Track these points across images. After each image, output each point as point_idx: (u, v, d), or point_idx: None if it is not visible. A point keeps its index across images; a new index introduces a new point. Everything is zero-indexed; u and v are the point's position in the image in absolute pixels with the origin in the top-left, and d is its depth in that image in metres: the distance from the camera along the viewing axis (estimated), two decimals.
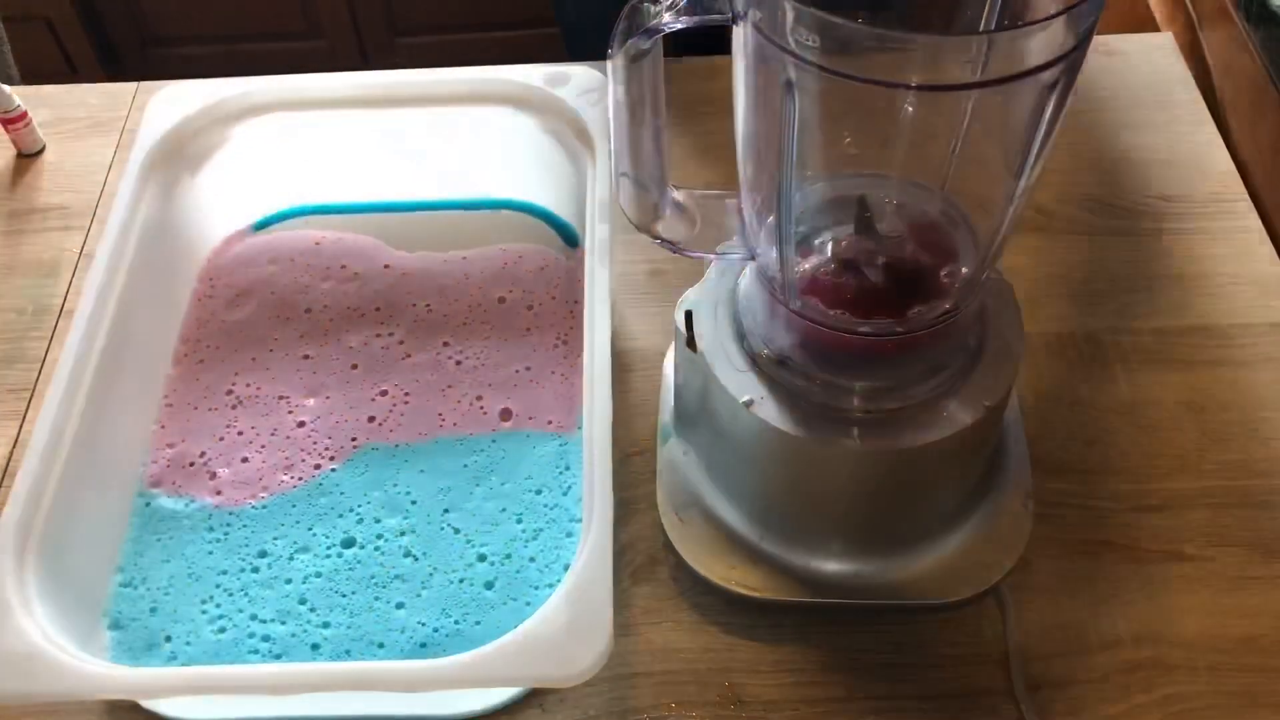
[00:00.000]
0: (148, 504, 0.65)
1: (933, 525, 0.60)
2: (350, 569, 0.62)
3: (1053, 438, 0.68)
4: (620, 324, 0.74)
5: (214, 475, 0.66)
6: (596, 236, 0.65)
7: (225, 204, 0.77)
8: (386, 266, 0.77)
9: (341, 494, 0.65)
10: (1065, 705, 0.59)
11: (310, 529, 0.64)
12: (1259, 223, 0.79)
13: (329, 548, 0.63)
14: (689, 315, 0.58)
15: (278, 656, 0.59)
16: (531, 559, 0.62)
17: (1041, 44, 0.39)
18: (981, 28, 0.44)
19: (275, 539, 0.63)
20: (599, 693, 0.59)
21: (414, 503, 0.65)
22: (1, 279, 0.79)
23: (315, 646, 0.60)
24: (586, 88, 0.73)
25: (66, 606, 0.56)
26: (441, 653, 0.58)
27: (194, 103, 0.73)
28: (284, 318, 0.74)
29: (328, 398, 0.70)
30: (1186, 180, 0.82)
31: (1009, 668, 0.60)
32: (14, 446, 0.70)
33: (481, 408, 0.69)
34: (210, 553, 0.63)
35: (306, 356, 0.72)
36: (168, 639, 0.60)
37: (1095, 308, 0.75)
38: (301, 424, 0.68)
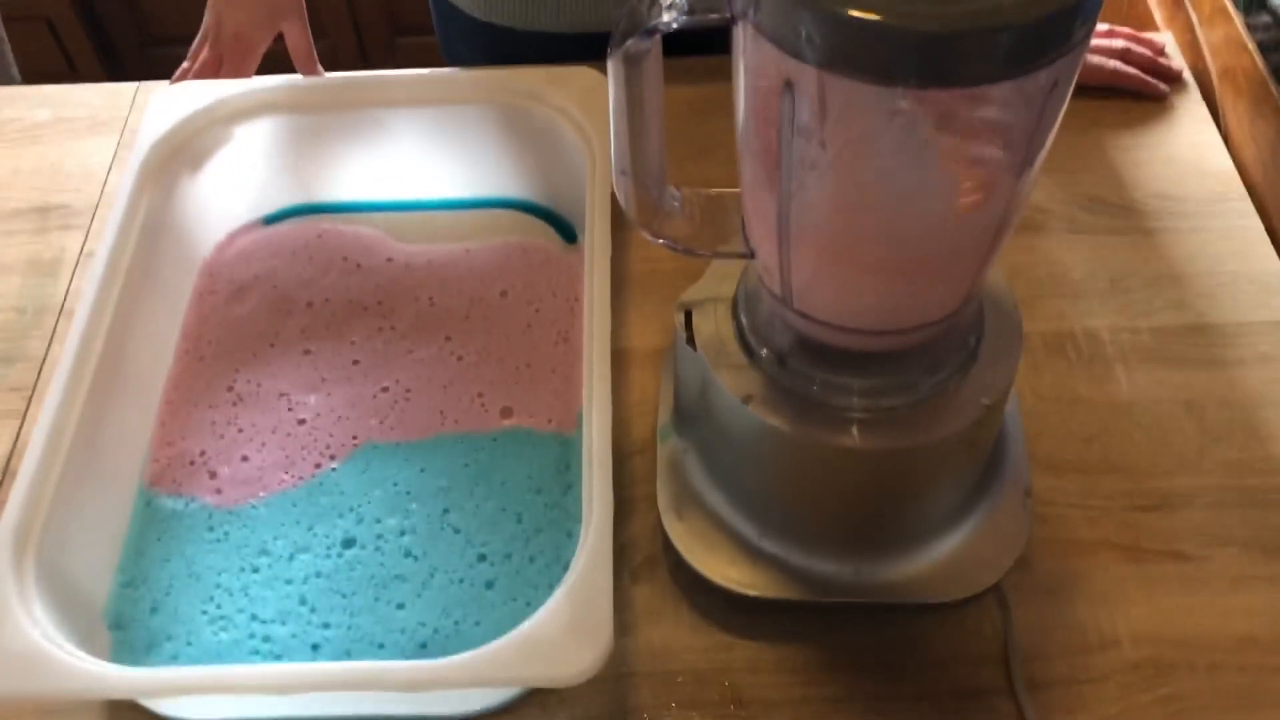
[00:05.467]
0: (148, 503, 0.65)
1: (932, 524, 0.60)
2: (350, 569, 0.62)
3: (1052, 436, 0.68)
4: (620, 323, 0.74)
5: (214, 474, 0.66)
6: (596, 235, 0.65)
7: (225, 203, 0.77)
8: (389, 260, 0.77)
9: (341, 493, 0.65)
10: (1065, 704, 0.59)
11: (310, 529, 0.64)
12: (1258, 222, 0.79)
13: (329, 547, 0.63)
14: (688, 314, 0.58)
15: (278, 657, 0.59)
16: (532, 559, 0.62)
17: (1040, 43, 0.39)
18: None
19: (275, 539, 0.64)
20: (599, 692, 0.59)
21: (414, 502, 0.65)
22: (2, 278, 0.79)
23: (315, 647, 0.60)
24: (586, 88, 0.73)
25: (67, 606, 0.56)
26: (442, 653, 0.58)
27: (194, 102, 0.73)
28: (285, 311, 0.74)
29: (329, 394, 0.70)
30: (1186, 180, 0.82)
31: (1009, 667, 0.60)
32: (14, 446, 0.70)
33: (482, 405, 0.69)
34: (210, 552, 0.63)
35: (307, 351, 0.72)
36: (168, 639, 0.60)
37: (1094, 307, 0.75)
38: (302, 421, 0.68)
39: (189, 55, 0.86)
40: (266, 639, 0.60)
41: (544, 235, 0.79)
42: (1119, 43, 0.88)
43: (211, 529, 0.64)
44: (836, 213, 0.48)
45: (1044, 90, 0.42)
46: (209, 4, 0.85)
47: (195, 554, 0.63)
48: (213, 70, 0.84)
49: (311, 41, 0.84)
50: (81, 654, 0.52)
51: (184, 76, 0.84)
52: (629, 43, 0.46)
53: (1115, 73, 0.86)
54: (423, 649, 0.59)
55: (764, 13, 0.41)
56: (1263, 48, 0.82)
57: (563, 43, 0.88)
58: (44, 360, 0.74)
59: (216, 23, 0.85)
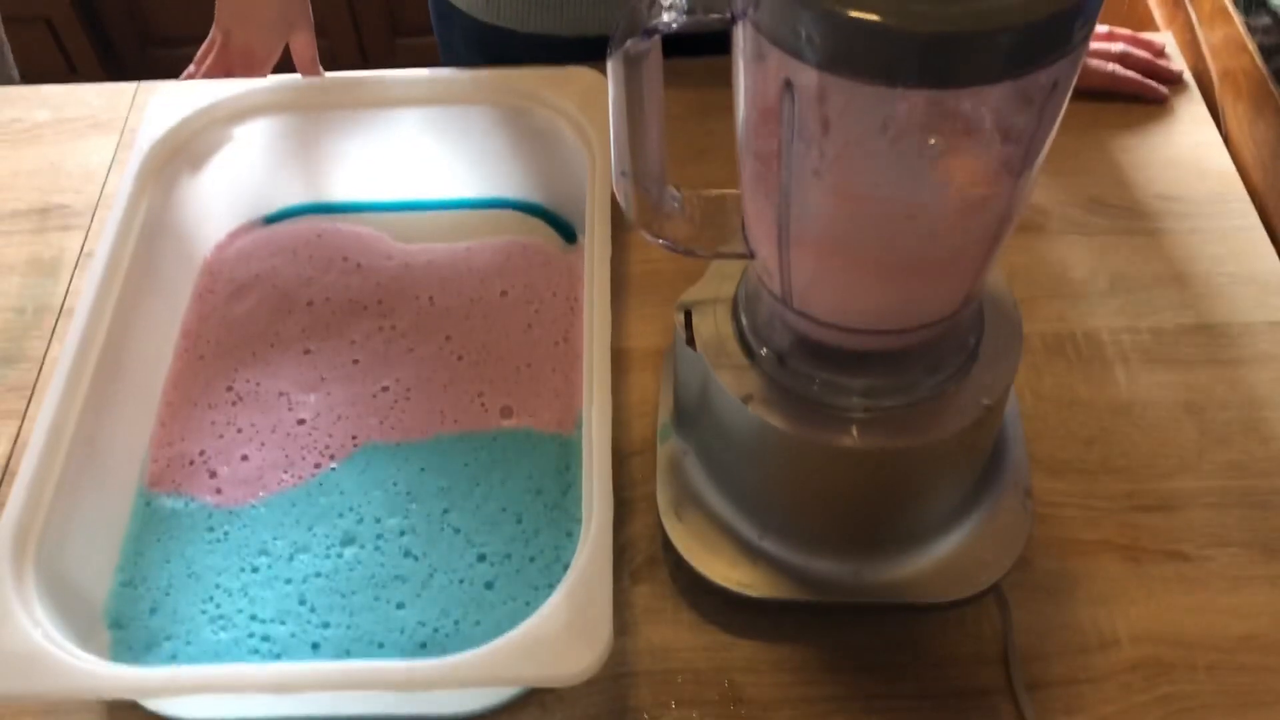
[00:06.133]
0: (148, 503, 0.65)
1: (932, 524, 0.60)
2: (350, 569, 0.62)
3: (1052, 437, 0.69)
4: (620, 324, 0.74)
5: (214, 474, 0.66)
6: (596, 236, 0.65)
7: (225, 203, 0.77)
8: (389, 259, 0.77)
9: (341, 493, 0.65)
10: (1064, 704, 0.59)
11: (310, 528, 0.64)
12: (1258, 222, 0.79)
13: (329, 547, 0.63)
14: (688, 314, 0.58)
15: (278, 656, 0.59)
16: (531, 558, 0.62)
17: (1040, 43, 0.39)
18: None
19: (275, 538, 0.64)
20: (598, 692, 0.59)
21: (414, 502, 0.65)
22: (2, 278, 0.79)
23: (315, 646, 0.60)
24: (586, 88, 0.73)
25: (66, 606, 0.56)
26: (441, 652, 0.58)
27: (194, 102, 0.73)
28: (286, 310, 0.74)
29: (328, 394, 0.70)
30: (1186, 180, 0.82)
31: (1008, 667, 0.60)
32: (14, 446, 0.70)
33: (482, 405, 0.69)
34: (210, 552, 0.63)
35: (307, 351, 0.72)
36: (168, 638, 0.60)
37: (1094, 307, 0.75)
38: (302, 421, 0.69)
39: (194, 63, 0.86)
40: (266, 638, 0.60)
41: (544, 236, 0.79)
42: (1118, 46, 0.88)
43: (211, 529, 0.64)
44: (836, 213, 0.48)
45: (1044, 91, 0.42)
46: (216, 17, 0.84)
47: (195, 554, 0.63)
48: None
49: (316, 50, 0.84)
50: (81, 654, 0.52)
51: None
52: (629, 43, 0.46)
53: (1113, 77, 0.86)
54: (422, 648, 0.59)
55: (764, 13, 0.41)
56: (1263, 49, 0.82)
57: (563, 45, 0.88)
58: (44, 360, 0.74)
59: (225, 36, 0.84)
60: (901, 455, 0.54)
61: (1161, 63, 0.88)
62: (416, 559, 0.62)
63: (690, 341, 0.57)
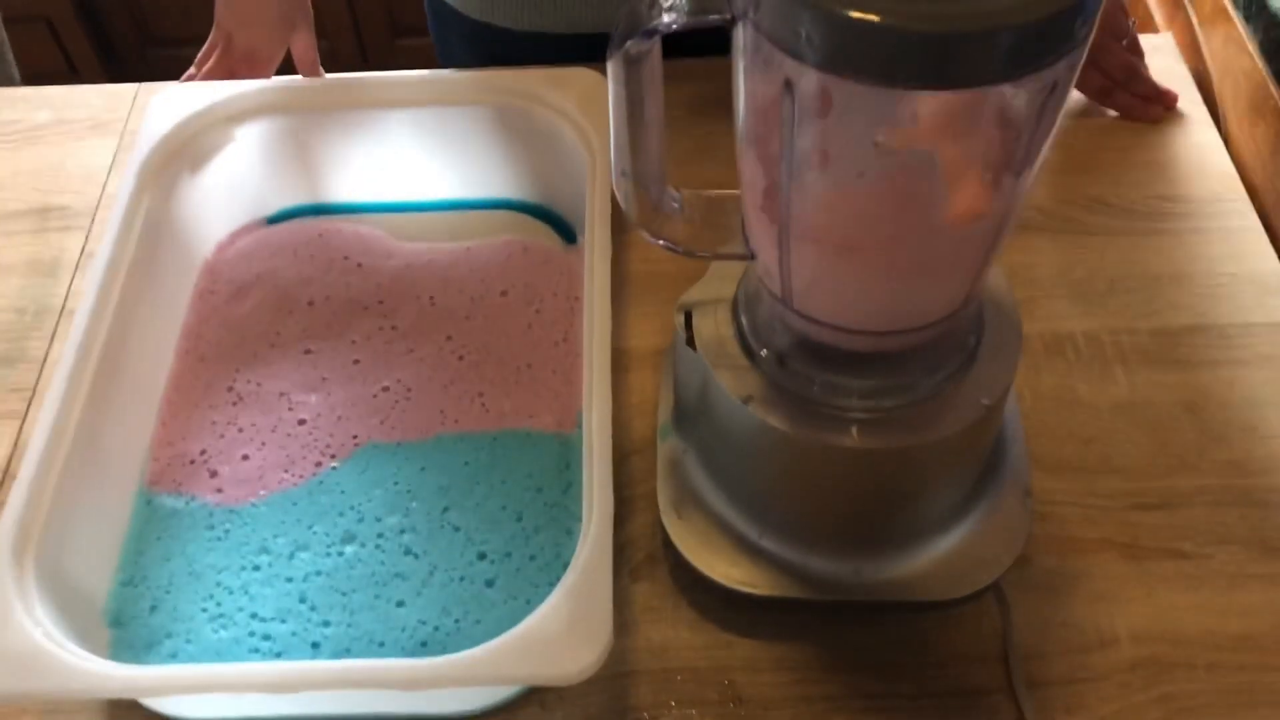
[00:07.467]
0: (148, 502, 0.65)
1: (932, 523, 0.60)
2: (351, 567, 0.62)
3: (1051, 436, 0.69)
4: (620, 324, 0.74)
5: (214, 473, 0.66)
6: (596, 236, 0.65)
7: (226, 203, 0.77)
8: (390, 258, 0.77)
9: (342, 492, 0.65)
10: (1064, 703, 0.59)
11: (311, 527, 0.64)
12: (1258, 223, 0.79)
13: (329, 546, 0.63)
14: (688, 315, 0.58)
15: (278, 655, 0.59)
16: (532, 557, 0.62)
17: (1040, 43, 0.39)
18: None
19: (275, 537, 0.64)
20: (598, 690, 0.60)
21: (415, 501, 0.65)
22: (2, 279, 0.79)
23: (315, 645, 0.60)
24: (586, 88, 0.73)
25: (67, 605, 0.56)
26: (442, 651, 0.58)
27: (194, 103, 0.73)
28: (286, 310, 0.74)
29: (329, 394, 0.70)
30: (1186, 180, 0.82)
31: (1008, 666, 0.60)
32: (15, 446, 0.70)
33: (483, 405, 0.69)
34: (210, 551, 0.63)
35: (308, 351, 0.72)
36: (168, 637, 0.60)
37: (1094, 307, 0.75)
38: (302, 421, 0.69)
39: (195, 64, 0.86)
40: (266, 637, 0.60)
41: (544, 236, 0.79)
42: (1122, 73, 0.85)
43: (211, 527, 0.64)
44: (836, 213, 0.48)
45: (1044, 91, 0.42)
46: (216, 19, 0.84)
47: (195, 552, 0.63)
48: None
49: (317, 51, 0.84)
50: (82, 653, 0.52)
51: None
52: (629, 44, 0.46)
53: (1110, 96, 0.85)
54: (423, 647, 0.59)
55: (764, 13, 0.41)
56: (1262, 47, 0.82)
57: (560, 43, 0.88)
58: (44, 361, 0.75)
59: (226, 39, 0.84)
60: (901, 455, 0.54)
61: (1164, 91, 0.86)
62: (417, 557, 0.62)
63: (690, 342, 0.57)
